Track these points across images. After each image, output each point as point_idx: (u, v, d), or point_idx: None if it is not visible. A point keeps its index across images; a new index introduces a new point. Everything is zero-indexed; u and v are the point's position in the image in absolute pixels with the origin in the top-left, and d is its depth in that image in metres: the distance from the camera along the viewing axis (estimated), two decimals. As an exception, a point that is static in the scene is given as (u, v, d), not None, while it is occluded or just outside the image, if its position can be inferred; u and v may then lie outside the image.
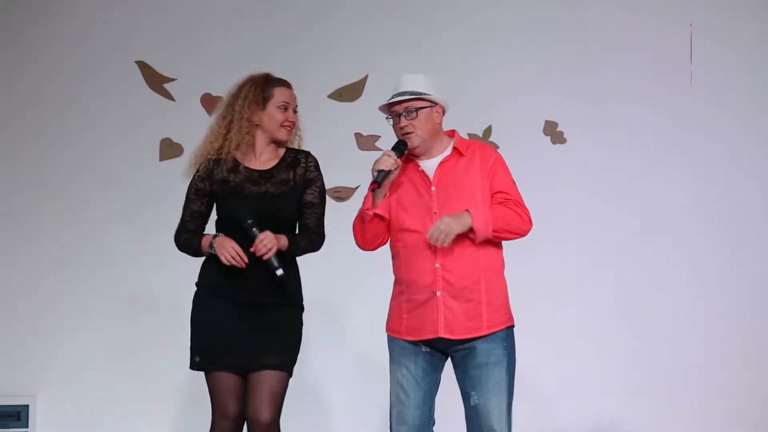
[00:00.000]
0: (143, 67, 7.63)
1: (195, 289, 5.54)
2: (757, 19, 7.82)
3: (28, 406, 7.54)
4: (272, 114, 5.37)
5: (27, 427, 7.48)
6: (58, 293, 7.55)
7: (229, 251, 5.22)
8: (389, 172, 5.17)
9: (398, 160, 5.27)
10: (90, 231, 7.61)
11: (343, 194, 7.42)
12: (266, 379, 5.28)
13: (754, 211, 7.75)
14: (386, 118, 5.42)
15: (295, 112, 5.48)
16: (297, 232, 5.47)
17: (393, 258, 5.45)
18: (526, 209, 5.32)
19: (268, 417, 5.25)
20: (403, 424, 5.36)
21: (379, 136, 7.43)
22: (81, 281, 7.61)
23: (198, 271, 5.51)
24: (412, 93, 5.31)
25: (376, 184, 5.22)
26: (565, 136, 7.69)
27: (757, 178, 7.76)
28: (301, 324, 5.47)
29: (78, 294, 7.58)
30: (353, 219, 5.45)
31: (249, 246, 5.30)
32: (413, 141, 5.33)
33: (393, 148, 5.27)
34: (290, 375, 5.40)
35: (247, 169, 5.36)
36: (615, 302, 7.69)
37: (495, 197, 5.34)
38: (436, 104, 5.31)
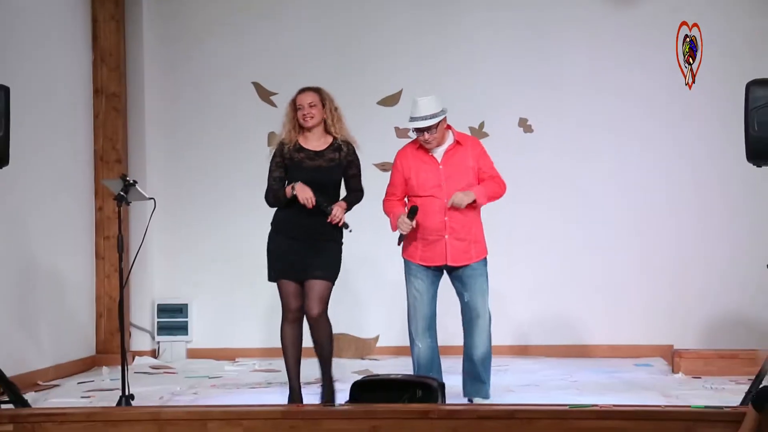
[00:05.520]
0: (257, 86, 9.37)
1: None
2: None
3: (187, 304, 9.36)
4: (298, 115, 6.53)
5: (187, 317, 9.29)
6: (202, 237, 9.28)
7: (307, 193, 6.36)
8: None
9: (412, 223, 6.40)
10: (228, 193, 9.32)
11: (387, 167, 7.90)
12: (314, 285, 6.47)
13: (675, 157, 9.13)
14: (411, 131, 6.62)
15: (312, 106, 6.45)
16: (346, 193, 6.59)
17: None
18: (502, 180, 6.60)
19: (316, 312, 6.47)
20: (419, 312, 6.66)
21: (409, 129, 8.08)
22: (217, 231, 9.31)
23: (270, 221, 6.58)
24: (430, 117, 6.39)
25: (399, 242, 6.51)
26: (533, 128, 9.27)
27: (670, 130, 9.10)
28: (340, 252, 6.56)
29: (218, 239, 9.26)
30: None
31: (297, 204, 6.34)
32: (433, 145, 6.50)
33: (408, 216, 6.42)
34: (332, 283, 6.51)
35: (305, 150, 6.51)
36: (576, 237, 9.21)
37: (482, 174, 6.57)
38: (443, 116, 6.47)
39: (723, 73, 9.12)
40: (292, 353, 6.53)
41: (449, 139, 6.59)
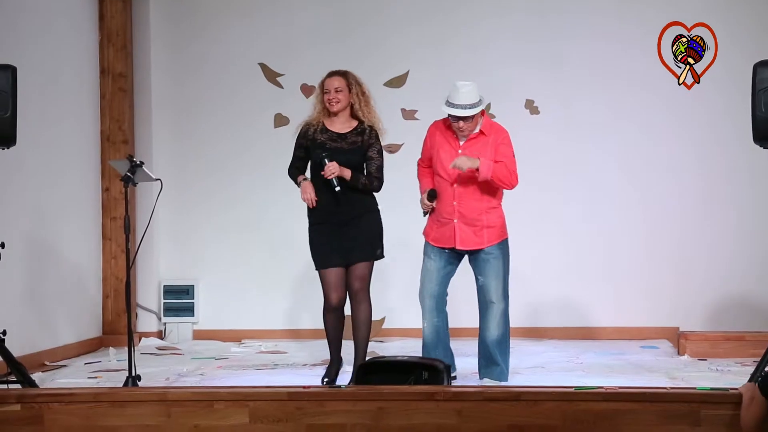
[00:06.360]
0: (263, 67, 9.38)
1: (296, 212, 6.97)
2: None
3: (193, 285, 9.43)
4: (324, 98, 6.59)
5: (193, 299, 9.36)
6: (208, 218, 9.31)
7: (307, 194, 6.51)
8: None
9: (431, 204, 6.56)
10: (235, 174, 9.39)
11: (393, 149, 8.84)
12: (355, 269, 6.68)
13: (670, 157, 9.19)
14: (448, 116, 6.47)
15: (338, 91, 6.49)
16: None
17: None
18: (516, 174, 6.54)
19: (356, 287, 6.68)
20: (426, 290, 6.73)
21: (417, 110, 9.07)
22: (224, 213, 9.32)
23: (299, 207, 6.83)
24: (470, 106, 6.36)
25: (425, 215, 6.70)
26: (539, 110, 9.29)
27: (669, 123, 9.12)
28: (377, 221, 6.65)
29: (225, 220, 9.37)
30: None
31: (325, 186, 6.42)
32: (466, 133, 6.50)
33: (428, 198, 6.58)
34: (374, 259, 6.63)
35: (329, 131, 6.58)
36: (583, 219, 9.20)
37: (496, 159, 6.52)
38: (482, 107, 6.48)
39: (729, 61, 9.17)
40: (333, 335, 6.76)
41: (478, 126, 6.62)
